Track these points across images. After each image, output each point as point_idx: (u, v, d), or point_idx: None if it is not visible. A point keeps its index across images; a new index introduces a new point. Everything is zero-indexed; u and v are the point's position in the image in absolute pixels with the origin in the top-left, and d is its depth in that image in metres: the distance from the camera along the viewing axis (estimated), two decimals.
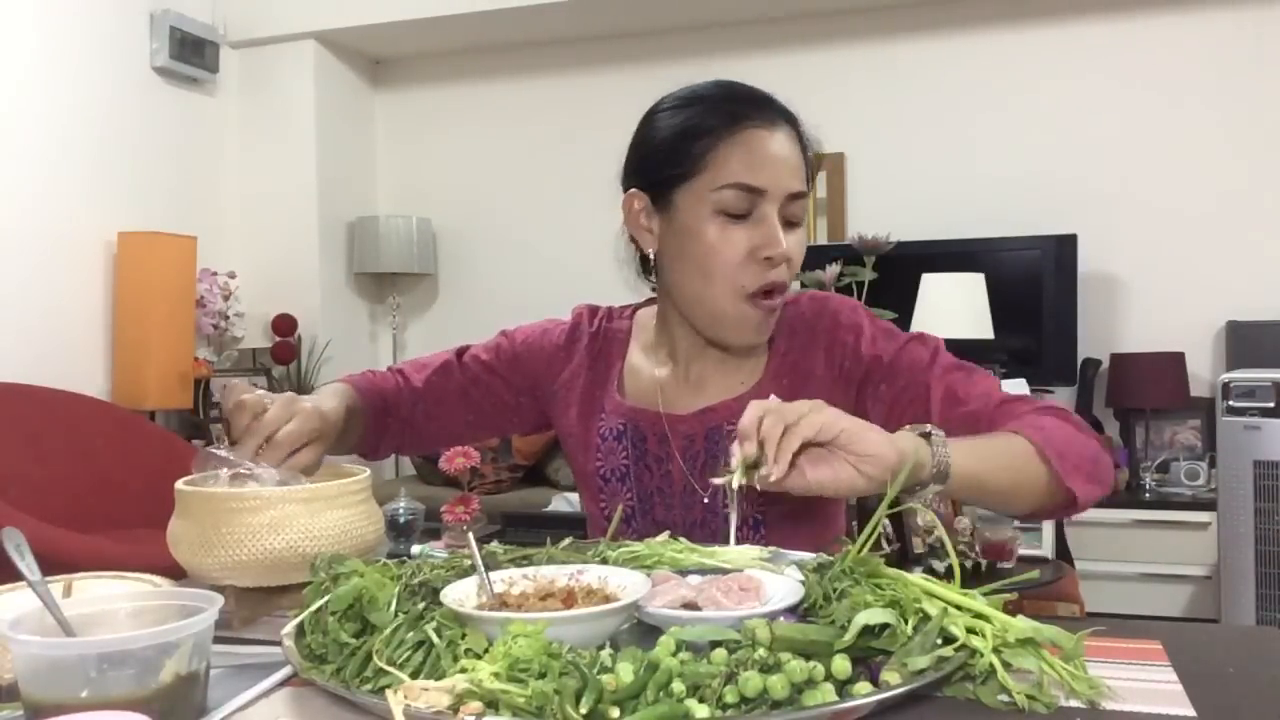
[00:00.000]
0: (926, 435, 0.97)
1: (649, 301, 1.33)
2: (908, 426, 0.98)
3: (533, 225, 4.76)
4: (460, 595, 0.85)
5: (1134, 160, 4.03)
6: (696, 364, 1.23)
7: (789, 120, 1.16)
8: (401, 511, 2.80)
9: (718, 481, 0.96)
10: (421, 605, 0.83)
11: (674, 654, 0.72)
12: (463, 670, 0.70)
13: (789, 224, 1.13)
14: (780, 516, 1.15)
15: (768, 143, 1.11)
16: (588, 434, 1.27)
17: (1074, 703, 0.73)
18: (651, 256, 1.20)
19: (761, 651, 0.71)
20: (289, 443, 1.07)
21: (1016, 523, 2.48)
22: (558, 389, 1.31)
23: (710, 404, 1.21)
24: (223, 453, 1.04)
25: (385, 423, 1.32)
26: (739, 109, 1.13)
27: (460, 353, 1.35)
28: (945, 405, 1.11)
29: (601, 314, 1.34)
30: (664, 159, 1.14)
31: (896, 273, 2.89)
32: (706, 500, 1.19)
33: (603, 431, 1.26)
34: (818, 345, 1.20)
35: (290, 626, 0.84)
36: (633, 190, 1.19)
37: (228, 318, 4.25)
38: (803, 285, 2.77)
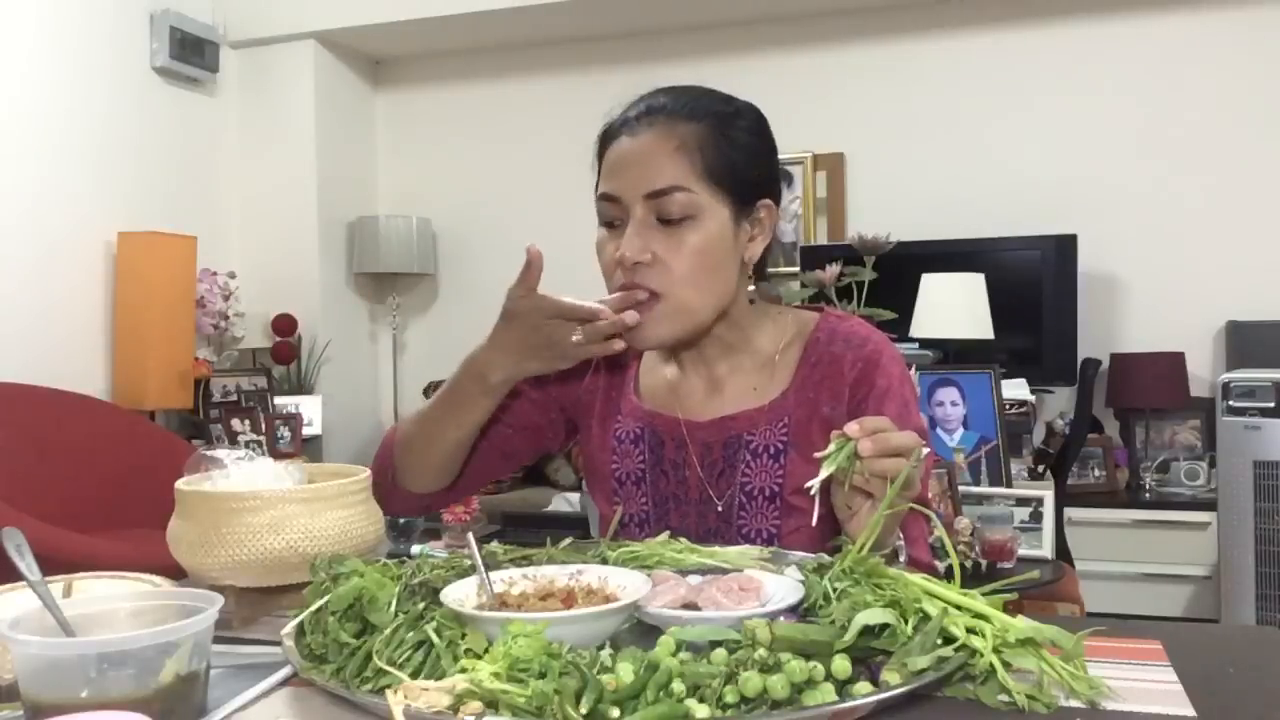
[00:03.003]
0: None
1: None
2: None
3: (533, 225, 4.74)
4: (460, 595, 0.85)
5: (1134, 160, 4.03)
6: (722, 365, 1.22)
7: (671, 115, 1.12)
8: None
9: (819, 456, 0.96)
10: (421, 605, 0.83)
11: (674, 654, 0.72)
12: (463, 670, 0.70)
13: (668, 224, 1.11)
14: (793, 530, 1.15)
15: (624, 148, 1.13)
16: (605, 435, 1.27)
17: (1074, 703, 0.73)
18: None
19: (761, 651, 0.71)
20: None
21: (1017, 522, 2.48)
22: (582, 395, 1.31)
23: (730, 412, 1.19)
24: (217, 454, 1.04)
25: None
26: (616, 119, 1.17)
27: None
28: None
29: None
30: None
31: (896, 273, 2.89)
32: (721, 509, 1.18)
33: (619, 434, 1.25)
34: (844, 376, 1.17)
35: (290, 626, 0.84)
36: None
37: (228, 318, 4.25)
38: (802, 285, 2.77)
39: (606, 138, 1.17)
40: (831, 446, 0.95)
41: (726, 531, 1.18)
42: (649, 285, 1.11)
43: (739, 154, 1.13)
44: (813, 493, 0.96)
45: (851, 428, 0.94)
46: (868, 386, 1.15)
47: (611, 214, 1.14)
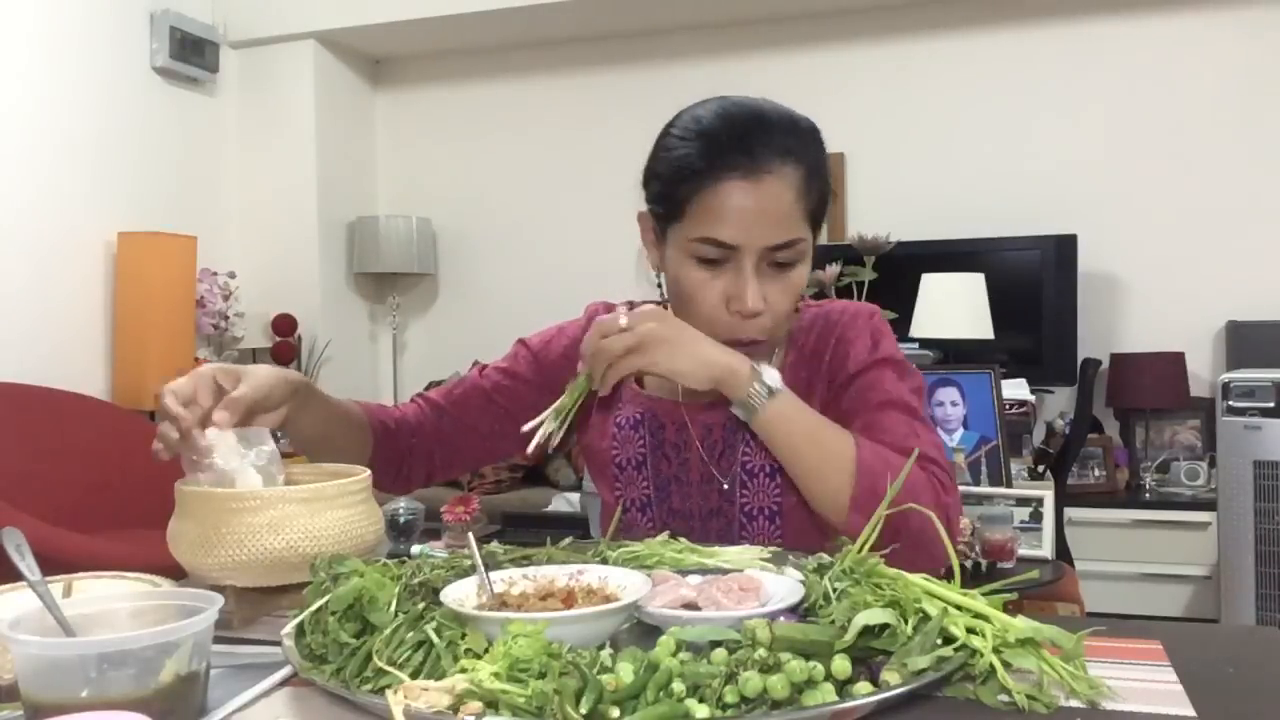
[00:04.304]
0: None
1: (663, 300, 1.33)
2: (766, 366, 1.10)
3: (533, 225, 4.76)
4: (460, 595, 0.85)
5: (1134, 160, 4.03)
6: None
7: (786, 159, 1.10)
8: (401, 511, 2.81)
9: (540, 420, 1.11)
10: (421, 605, 0.83)
11: (674, 654, 0.72)
12: (463, 670, 0.70)
13: (780, 266, 1.12)
14: (795, 506, 1.16)
15: (744, 196, 1.09)
16: (605, 423, 1.29)
17: (1074, 703, 0.73)
18: (658, 275, 1.23)
19: (761, 651, 0.71)
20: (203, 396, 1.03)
21: (1017, 522, 2.48)
22: None
23: None
24: (205, 458, 1.03)
25: (408, 444, 1.32)
26: (722, 157, 1.09)
27: (481, 369, 1.37)
28: (860, 434, 1.13)
29: (618, 308, 1.34)
30: (659, 195, 1.16)
31: (896, 273, 2.90)
32: (726, 487, 1.20)
33: (619, 420, 1.27)
34: (826, 351, 1.21)
35: (290, 626, 0.84)
36: (644, 211, 1.21)
37: (228, 318, 4.25)
38: None
39: (701, 175, 1.10)
40: (564, 395, 1.11)
41: (729, 510, 1.20)
42: (758, 336, 1.14)
43: (826, 187, 1.15)
44: (538, 435, 1.11)
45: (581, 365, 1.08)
46: (847, 341, 1.20)
47: (719, 255, 1.11)
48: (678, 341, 1.07)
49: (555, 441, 1.13)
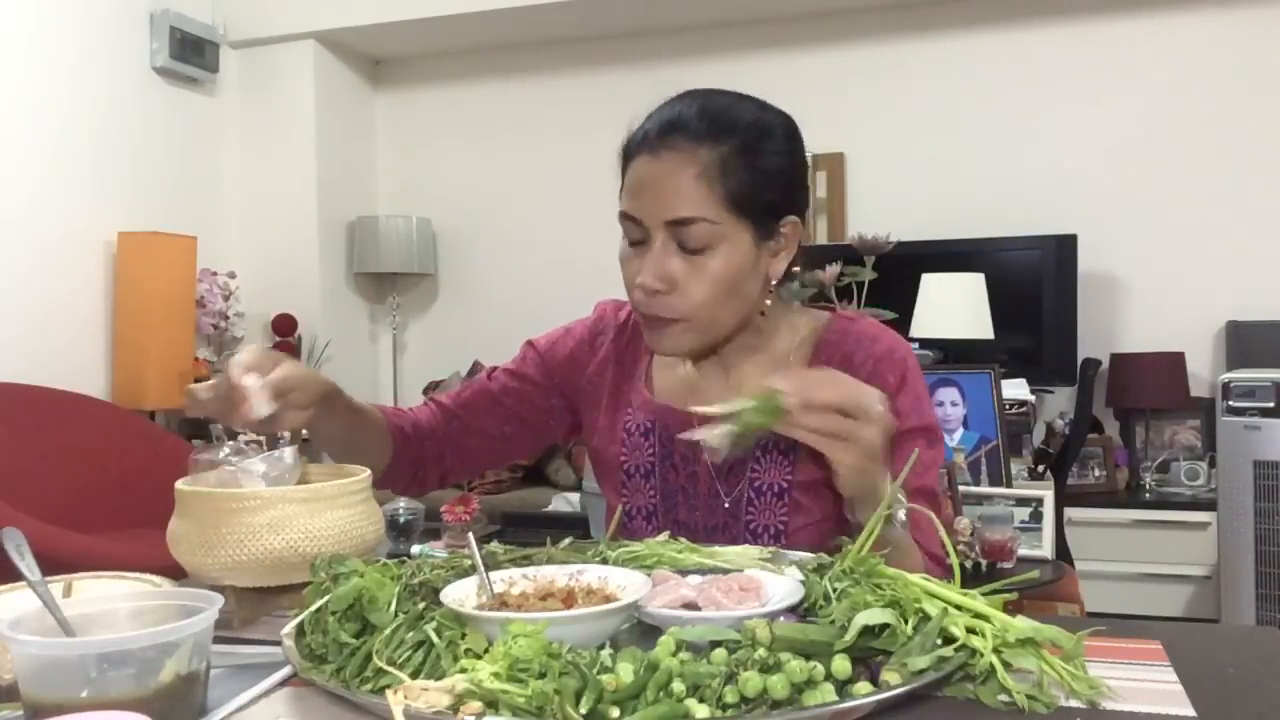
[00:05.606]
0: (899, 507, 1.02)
1: None
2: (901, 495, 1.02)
3: (533, 225, 4.76)
4: (460, 595, 0.85)
5: (1134, 160, 4.03)
6: (741, 366, 1.22)
7: (702, 140, 1.08)
8: (401, 511, 2.81)
9: (723, 408, 0.99)
10: (421, 605, 0.83)
11: (674, 654, 0.72)
12: (463, 670, 0.70)
13: (692, 252, 1.09)
14: (800, 527, 1.15)
15: (645, 170, 1.11)
16: (614, 427, 1.27)
17: (1074, 703, 0.73)
18: None
19: (761, 651, 0.71)
20: (277, 381, 1.02)
21: (1017, 522, 2.48)
22: (585, 384, 1.31)
23: None
24: (216, 455, 1.03)
25: (422, 448, 1.32)
26: (637, 135, 1.13)
27: (490, 372, 1.36)
28: None
29: (629, 307, 1.33)
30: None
31: (896, 273, 2.89)
32: (729, 504, 1.19)
33: (629, 426, 1.26)
34: (856, 374, 1.14)
35: (290, 626, 0.84)
36: None
37: (228, 318, 4.25)
38: (802, 285, 2.76)
39: (629, 150, 1.14)
40: (747, 401, 0.98)
41: (734, 526, 1.18)
42: (669, 315, 1.11)
43: (763, 177, 1.10)
44: (706, 444, 1.00)
45: (781, 382, 0.97)
46: (879, 383, 1.14)
47: (634, 233, 1.13)
48: (879, 464, 1.01)
49: (719, 456, 1.06)
